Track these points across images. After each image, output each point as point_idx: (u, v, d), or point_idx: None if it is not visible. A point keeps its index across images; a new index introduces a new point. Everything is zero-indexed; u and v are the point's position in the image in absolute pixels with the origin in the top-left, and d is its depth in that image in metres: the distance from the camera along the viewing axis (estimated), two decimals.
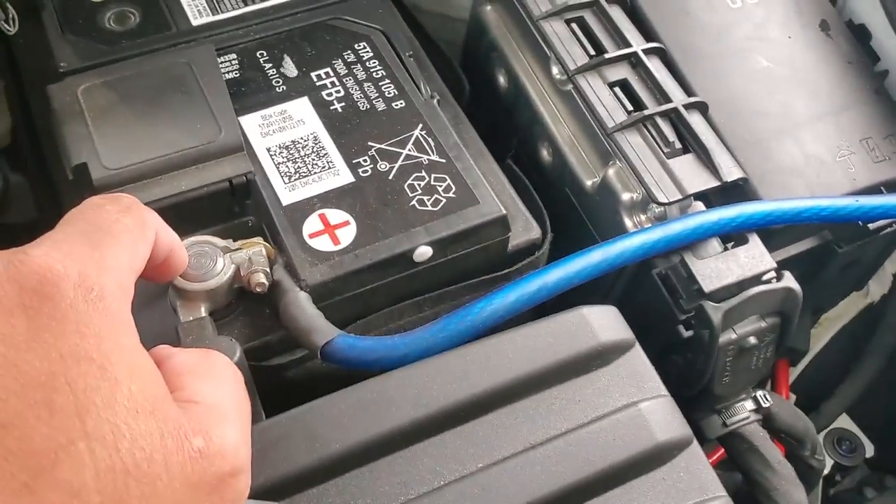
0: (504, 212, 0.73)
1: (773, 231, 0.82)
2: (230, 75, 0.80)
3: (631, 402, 0.61)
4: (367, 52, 0.84)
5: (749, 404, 0.80)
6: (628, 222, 0.78)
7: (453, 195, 0.73)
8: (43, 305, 0.35)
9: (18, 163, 0.97)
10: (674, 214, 0.77)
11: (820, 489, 1.09)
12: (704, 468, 0.58)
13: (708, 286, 0.72)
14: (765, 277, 0.75)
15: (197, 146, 0.70)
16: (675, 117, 0.80)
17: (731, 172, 0.77)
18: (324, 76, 0.82)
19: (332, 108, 0.79)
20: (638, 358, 0.65)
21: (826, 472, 1.12)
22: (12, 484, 0.32)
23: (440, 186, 0.74)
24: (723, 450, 0.84)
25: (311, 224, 0.71)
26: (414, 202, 0.73)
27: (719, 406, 0.79)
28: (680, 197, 0.75)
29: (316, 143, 0.77)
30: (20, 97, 0.86)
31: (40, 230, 0.40)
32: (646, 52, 0.84)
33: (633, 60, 0.83)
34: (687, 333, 0.74)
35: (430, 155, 0.76)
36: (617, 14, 0.86)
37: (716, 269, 0.73)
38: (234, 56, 0.83)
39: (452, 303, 0.74)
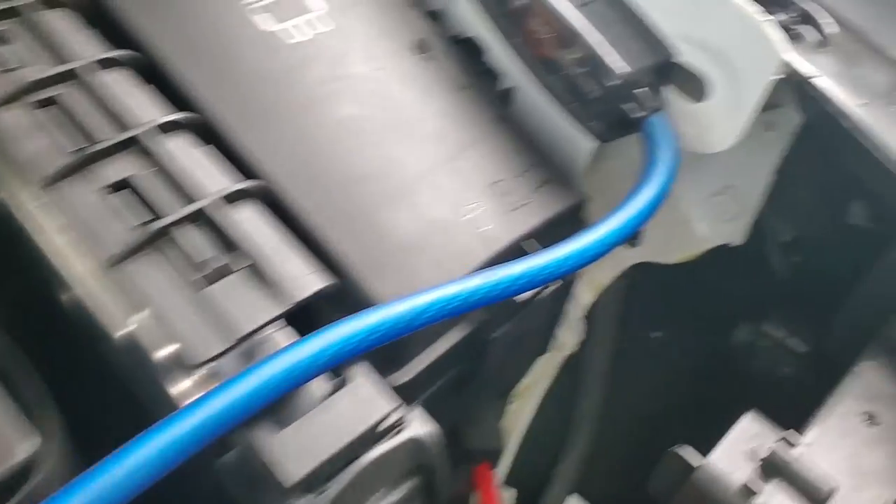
0: None
1: None
2: None
3: None
4: None
5: None
6: (172, 389, 0.51)
7: None
8: None
9: None
10: (233, 368, 0.51)
11: None
12: None
13: (289, 476, 0.46)
14: (383, 426, 0.51)
15: None
16: (217, 218, 0.54)
17: (304, 285, 0.53)
18: None
19: None
20: None
21: None
22: None
23: None
24: None
25: None
26: None
27: None
28: (226, 346, 0.49)
29: None
30: None
31: None
32: (165, 127, 0.57)
33: (145, 146, 0.56)
34: None
35: None
36: (116, 80, 0.59)
37: (301, 442, 0.48)
38: None
39: None
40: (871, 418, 0.64)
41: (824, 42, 0.67)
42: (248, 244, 0.52)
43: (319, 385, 0.52)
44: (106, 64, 0.59)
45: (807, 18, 0.68)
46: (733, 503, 0.59)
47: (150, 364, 0.50)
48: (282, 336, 0.53)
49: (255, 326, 0.49)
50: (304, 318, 0.54)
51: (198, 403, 0.46)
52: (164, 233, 0.52)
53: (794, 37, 0.67)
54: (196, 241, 0.52)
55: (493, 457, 0.87)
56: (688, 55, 0.68)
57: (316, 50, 0.70)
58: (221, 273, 0.51)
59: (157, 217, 0.52)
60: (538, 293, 0.66)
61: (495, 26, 0.75)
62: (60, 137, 0.55)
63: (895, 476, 0.61)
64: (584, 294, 0.91)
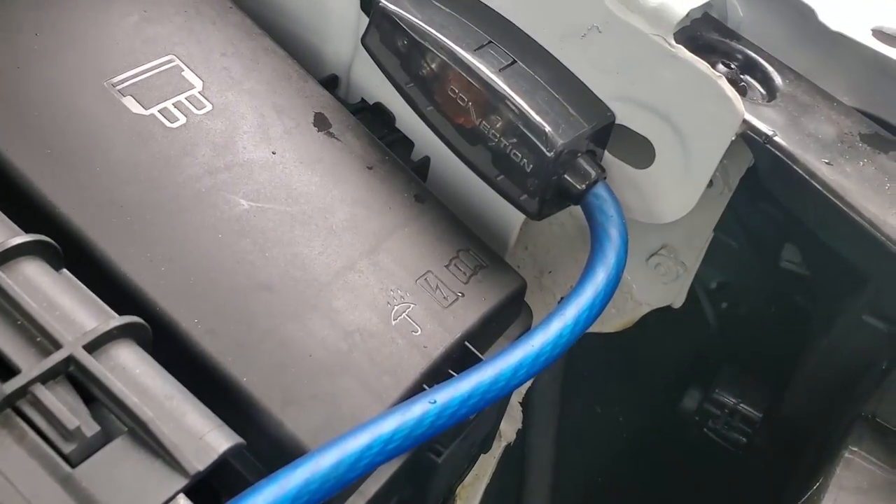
0: None
1: None
2: None
3: None
4: None
5: None
6: None
7: None
8: None
9: None
10: None
11: None
12: None
13: None
14: None
15: None
16: (81, 373, 0.42)
17: (204, 451, 0.41)
18: None
19: None
20: None
21: None
22: None
23: None
24: None
25: None
26: None
27: None
28: None
29: None
30: None
31: None
32: (8, 253, 0.45)
33: None
34: None
35: None
36: None
37: None
38: None
39: None
40: None
41: (772, 92, 0.60)
42: (127, 402, 0.40)
43: None
44: None
45: (750, 67, 0.61)
46: None
47: None
48: None
49: None
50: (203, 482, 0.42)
51: None
52: (10, 400, 0.39)
53: (741, 90, 0.60)
54: (56, 406, 0.39)
55: None
56: (627, 117, 0.61)
57: (198, 134, 0.58)
58: (92, 446, 0.39)
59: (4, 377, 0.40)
60: None
61: (404, 95, 0.66)
62: None
63: None
64: None
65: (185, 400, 0.42)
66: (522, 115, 0.59)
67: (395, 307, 0.56)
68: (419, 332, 0.55)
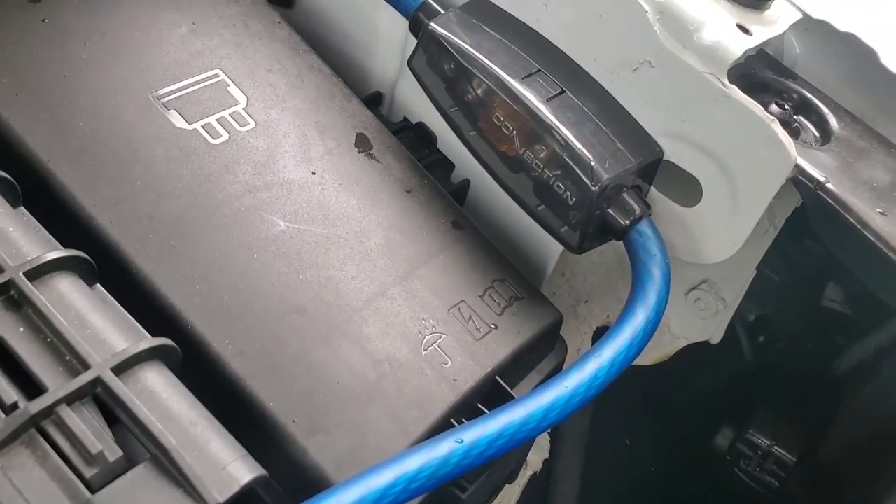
0: None
1: None
2: None
3: None
4: None
5: None
6: None
7: None
8: None
9: None
10: None
11: None
12: None
13: None
14: None
15: None
16: (104, 396, 0.41)
17: (226, 482, 0.40)
18: None
19: None
20: None
21: None
22: None
23: None
24: None
25: None
26: None
27: None
28: None
29: None
30: None
31: None
32: (43, 268, 0.44)
33: (14, 298, 0.43)
34: None
35: None
36: None
37: None
38: None
39: None
40: None
41: (827, 135, 0.58)
42: (151, 428, 0.40)
43: None
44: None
45: (805, 108, 0.59)
46: None
47: None
48: None
49: None
50: None
51: None
52: (35, 420, 0.38)
53: (794, 132, 0.58)
54: (80, 429, 0.39)
55: None
56: (676, 154, 0.59)
57: (238, 152, 0.58)
58: (113, 472, 0.38)
59: (30, 396, 0.39)
60: None
61: (447, 119, 0.64)
62: None
63: None
64: None
65: (210, 427, 0.41)
66: (568, 147, 0.57)
67: (427, 337, 0.55)
68: (449, 365, 0.54)
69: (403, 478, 0.44)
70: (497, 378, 0.55)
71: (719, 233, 0.58)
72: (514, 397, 0.54)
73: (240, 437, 0.42)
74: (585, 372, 0.51)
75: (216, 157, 0.57)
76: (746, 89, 0.55)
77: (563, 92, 0.59)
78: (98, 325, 0.43)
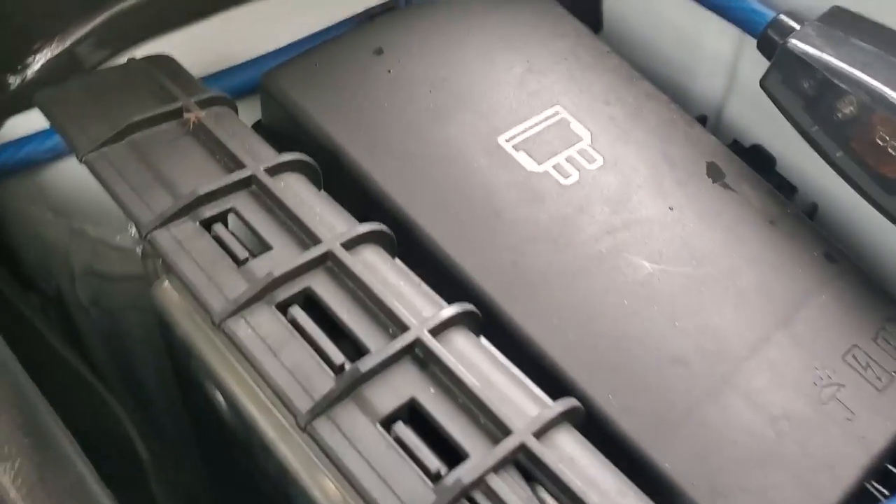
0: None
1: None
2: None
3: None
4: None
5: None
6: None
7: None
8: None
9: None
10: None
11: None
12: None
13: None
14: None
15: None
16: (527, 462, 0.39)
17: None
18: None
19: None
20: None
21: None
22: None
23: None
24: None
25: None
26: None
27: None
28: None
29: None
30: None
31: None
32: (437, 330, 0.43)
33: (421, 357, 0.42)
34: None
35: None
36: (366, 260, 0.45)
37: None
38: None
39: None
40: None
41: None
42: (587, 500, 0.37)
43: None
44: (354, 243, 0.46)
45: None
46: None
47: None
48: None
49: None
50: None
51: None
52: (466, 491, 0.37)
53: None
54: (511, 499, 0.36)
55: None
56: None
57: (591, 191, 0.55)
58: None
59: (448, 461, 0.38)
60: None
61: (807, 140, 0.58)
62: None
63: None
64: None
65: (637, 498, 0.38)
66: None
67: (823, 389, 0.49)
68: (854, 420, 0.48)
69: None
70: None
71: None
72: None
73: None
74: None
75: (570, 198, 0.54)
76: None
77: None
78: (501, 384, 0.41)
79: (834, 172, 0.57)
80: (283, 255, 0.45)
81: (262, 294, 0.43)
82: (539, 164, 0.56)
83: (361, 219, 0.47)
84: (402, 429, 0.39)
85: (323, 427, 0.39)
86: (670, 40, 0.71)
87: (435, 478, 0.37)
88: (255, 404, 0.47)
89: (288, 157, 0.49)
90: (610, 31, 0.75)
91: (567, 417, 0.40)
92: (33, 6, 0.65)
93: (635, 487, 0.39)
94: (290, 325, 0.42)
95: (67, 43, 0.66)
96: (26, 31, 0.66)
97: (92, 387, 0.53)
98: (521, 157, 0.56)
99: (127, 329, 0.74)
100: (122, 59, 0.64)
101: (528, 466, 0.38)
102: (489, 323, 0.48)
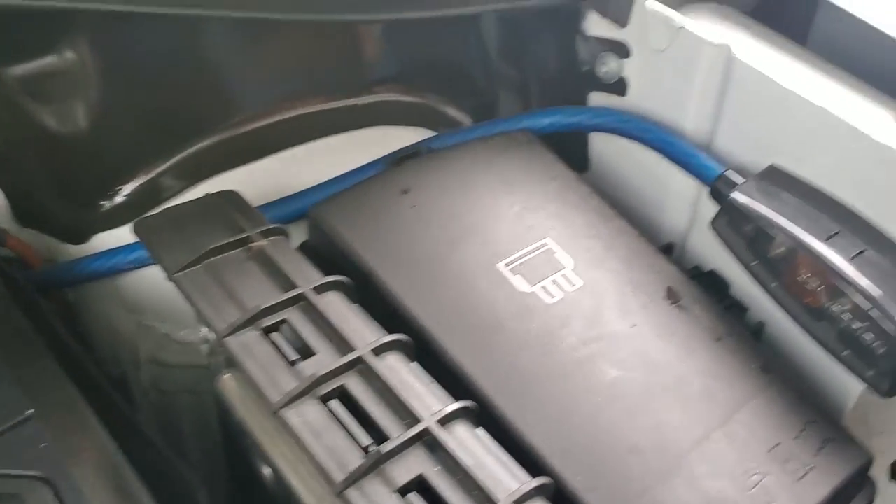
0: None
1: None
2: None
3: None
4: None
5: None
6: None
7: None
8: None
9: None
10: None
11: None
12: None
13: None
14: None
15: None
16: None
17: None
18: None
19: None
20: None
21: None
22: None
23: None
24: None
25: None
26: None
27: None
28: None
29: None
30: None
31: None
32: (443, 421, 0.55)
33: (430, 442, 0.54)
34: None
35: None
36: (391, 366, 0.58)
37: None
38: None
39: None
40: None
41: None
42: None
43: None
44: (381, 350, 0.59)
45: None
46: None
47: None
48: None
49: None
50: None
51: None
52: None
53: None
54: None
55: None
56: None
57: (571, 308, 0.68)
58: None
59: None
60: None
61: (748, 272, 0.71)
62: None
63: None
64: None
65: None
66: (874, 302, 0.62)
67: (751, 477, 0.60)
68: (773, 503, 0.59)
69: None
70: None
71: None
72: None
73: None
74: None
75: (555, 314, 0.67)
76: None
77: (864, 250, 0.64)
78: (490, 464, 0.53)
79: None
80: (325, 359, 0.58)
81: (308, 390, 0.55)
82: (531, 285, 0.69)
83: (388, 326, 0.60)
84: (415, 498, 0.51)
85: (353, 495, 0.51)
86: (645, 180, 0.85)
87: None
88: (297, 476, 0.59)
89: (330, 278, 0.63)
90: (595, 170, 0.89)
91: (541, 491, 0.52)
92: (123, 147, 0.81)
93: None
94: (329, 414, 0.55)
95: (150, 175, 0.81)
96: (117, 166, 0.81)
97: (170, 461, 0.65)
98: (517, 280, 0.69)
99: (180, 409, 0.87)
100: (197, 189, 0.79)
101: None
102: (486, 415, 0.61)
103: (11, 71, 0.76)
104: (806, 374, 0.74)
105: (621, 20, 0.78)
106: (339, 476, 0.52)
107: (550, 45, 0.88)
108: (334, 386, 0.56)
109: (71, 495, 0.51)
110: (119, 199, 0.81)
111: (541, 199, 0.76)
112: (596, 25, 0.82)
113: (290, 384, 0.56)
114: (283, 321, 0.60)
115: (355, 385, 0.57)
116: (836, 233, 0.65)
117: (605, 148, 0.88)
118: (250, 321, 0.59)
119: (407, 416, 0.55)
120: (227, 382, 0.64)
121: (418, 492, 0.52)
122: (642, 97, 0.82)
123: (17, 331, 0.60)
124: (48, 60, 0.77)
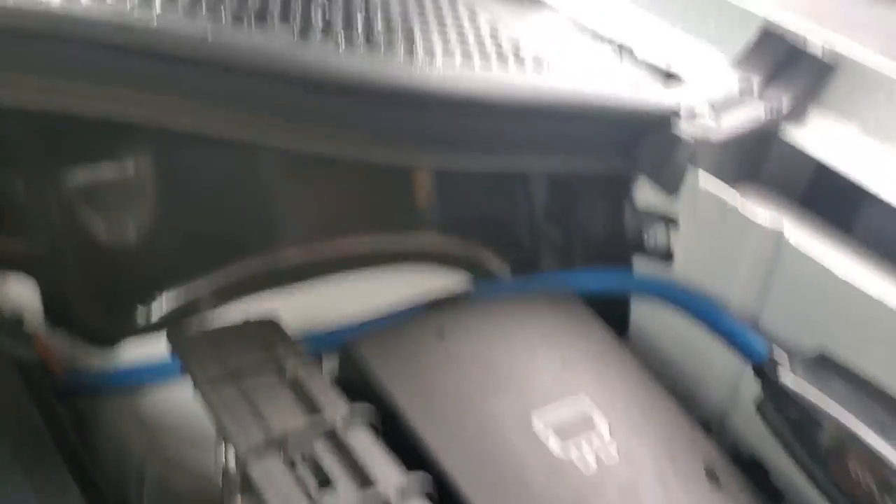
0: None
1: None
2: None
3: None
4: None
5: None
6: None
7: None
8: None
9: None
10: None
11: None
12: None
13: None
14: None
15: None
16: None
17: None
18: None
19: None
20: None
21: None
22: None
23: None
24: None
25: None
26: None
27: None
28: None
29: None
30: None
31: None
32: None
33: None
34: None
35: None
36: None
37: None
38: None
39: None
40: None
41: None
42: None
43: None
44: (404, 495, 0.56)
45: None
46: None
47: None
48: None
49: None
50: None
51: None
52: None
53: None
54: None
55: None
56: None
57: (606, 479, 0.64)
58: None
59: None
60: None
61: (793, 457, 0.68)
62: None
63: None
64: None
65: None
66: None
67: None
68: None
69: None
70: None
71: None
72: None
73: None
74: None
75: (588, 483, 0.63)
76: None
77: None
78: None
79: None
80: (346, 496, 0.55)
81: None
82: (564, 447, 0.65)
83: (408, 465, 0.57)
84: None
85: None
86: (685, 349, 0.82)
87: None
88: None
89: (358, 409, 0.60)
90: (634, 333, 0.87)
91: None
92: (165, 259, 0.81)
93: None
94: None
95: (188, 288, 0.80)
96: (156, 277, 0.81)
97: None
98: (549, 440, 0.66)
99: None
100: (232, 306, 0.78)
101: None
102: None
103: (70, 176, 0.78)
104: None
105: (672, 189, 0.79)
106: None
107: (599, 208, 0.88)
108: None
109: None
110: (153, 308, 0.80)
111: (581, 356, 0.74)
112: (646, 193, 0.83)
113: None
114: (307, 451, 0.57)
115: None
116: (891, 426, 0.62)
117: (647, 313, 0.86)
118: (274, 445, 0.57)
119: None
120: None
121: None
122: (688, 266, 0.81)
123: (36, 437, 0.59)
124: (108, 170, 0.79)
